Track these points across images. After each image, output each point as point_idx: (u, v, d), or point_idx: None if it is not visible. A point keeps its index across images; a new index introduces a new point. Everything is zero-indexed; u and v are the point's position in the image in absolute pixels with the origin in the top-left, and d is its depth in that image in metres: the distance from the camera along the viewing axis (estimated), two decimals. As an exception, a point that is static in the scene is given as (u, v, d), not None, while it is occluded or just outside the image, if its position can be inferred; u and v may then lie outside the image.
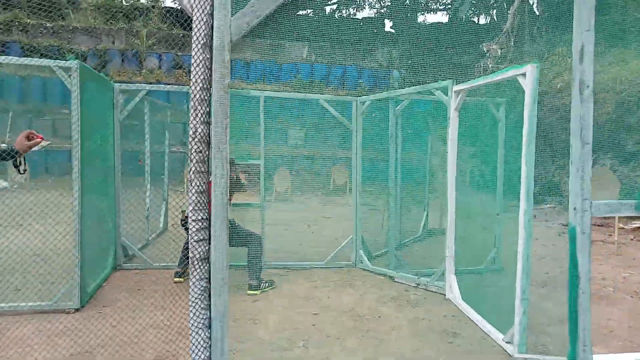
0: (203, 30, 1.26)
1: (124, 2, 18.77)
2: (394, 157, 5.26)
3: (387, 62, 17.54)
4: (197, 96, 1.26)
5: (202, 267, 1.27)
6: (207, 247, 1.29)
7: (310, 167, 12.07)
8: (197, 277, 1.27)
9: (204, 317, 1.26)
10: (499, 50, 14.34)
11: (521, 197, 3.28)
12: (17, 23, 16.75)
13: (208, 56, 1.26)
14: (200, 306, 1.28)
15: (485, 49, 14.56)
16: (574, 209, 1.50)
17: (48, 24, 17.31)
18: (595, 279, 5.46)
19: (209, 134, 1.28)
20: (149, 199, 6.42)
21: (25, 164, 2.53)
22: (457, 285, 4.43)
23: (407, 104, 5.27)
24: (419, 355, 3.33)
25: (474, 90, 4.47)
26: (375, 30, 19.86)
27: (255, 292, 4.52)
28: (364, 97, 5.53)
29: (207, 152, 1.26)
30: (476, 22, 19.95)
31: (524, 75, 3.27)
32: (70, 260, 3.97)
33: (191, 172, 1.25)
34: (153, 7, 18.79)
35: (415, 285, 4.87)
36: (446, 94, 4.55)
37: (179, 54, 16.62)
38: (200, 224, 1.28)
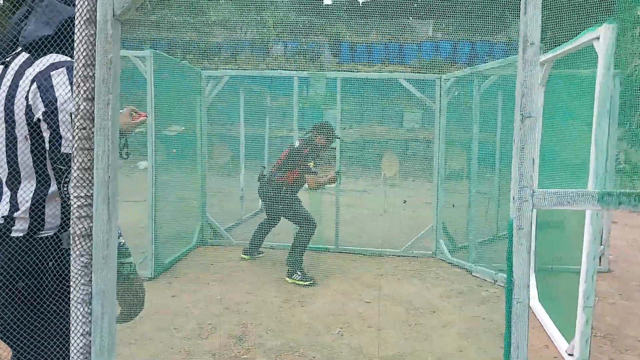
0: (86, 6, 1.25)
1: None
2: (477, 140, 4.78)
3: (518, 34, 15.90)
4: (80, 73, 1.26)
5: (83, 243, 1.28)
6: (90, 224, 1.29)
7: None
8: (78, 253, 1.29)
9: (84, 292, 1.28)
10: (659, 14, 12.13)
11: (589, 183, 2.74)
12: (165, 21, 18.80)
13: (92, 32, 1.24)
14: (80, 282, 1.30)
15: (639, 13, 12.42)
16: (513, 198, 1.20)
17: (191, 20, 19.12)
18: None
19: (93, 110, 1.27)
20: (244, 181, 6.76)
21: (128, 146, 2.22)
22: (535, 285, 3.90)
23: (496, 80, 4.74)
24: (461, 357, 3.01)
25: (568, 61, 3.82)
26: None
27: (292, 280, 4.29)
28: (448, 74, 5.10)
29: (91, 129, 1.25)
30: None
31: (597, 38, 2.69)
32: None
33: (74, 149, 1.26)
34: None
35: (493, 281, 4.41)
36: (531, 67, 3.97)
37: (304, 41, 17.15)
38: (82, 200, 1.29)
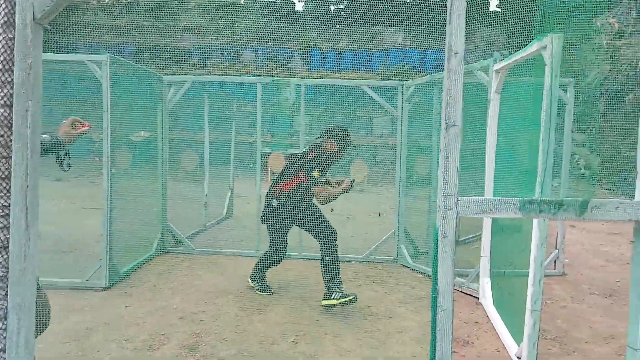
0: (4, 8, 1.19)
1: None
2: (436, 146, 4.84)
3: (485, 43, 16.31)
4: (-2, 78, 1.20)
5: (1, 255, 1.22)
6: (7, 235, 1.23)
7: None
8: (-6, 265, 1.22)
9: (1, 306, 1.21)
10: (616, 25, 12.60)
11: (536, 189, 2.80)
12: (134, 26, 18.48)
13: (10, 36, 1.19)
14: (-4, 295, 1.24)
15: (598, 24, 12.89)
16: (438, 207, 1.20)
17: (160, 25, 18.85)
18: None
19: (11, 117, 1.21)
20: (208, 187, 6.67)
21: (69, 157, 2.21)
22: (490, 289, 3.96)
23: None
24: (416, 363, 3.03)
25: (520, 70, 3.90)
26: (479, 9, 18.58)
27: (331, 302, 3.74)
28: (409, 81, 5.16)
29: (9, 136, 1.20)
30: (595, -6, 17.72)
31: (545, 48, 2.76)
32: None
33: (-8, 157, 1.20)
34: (254, 1, 19.55)
35: (452, 286, 4.45)
36: (488, 75, 4.06)
37: (275, 47, 17.10)
38: (1, 210, 1.22)
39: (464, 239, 5.84)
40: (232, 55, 17.14)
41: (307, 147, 4.11)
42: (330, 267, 3.88)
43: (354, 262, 5.27)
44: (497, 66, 3.87)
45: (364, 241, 5.98)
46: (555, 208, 1.17)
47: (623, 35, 12.05)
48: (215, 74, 14.30)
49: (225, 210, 7.31)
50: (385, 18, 17.62)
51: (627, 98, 11.15)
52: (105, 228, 4.14)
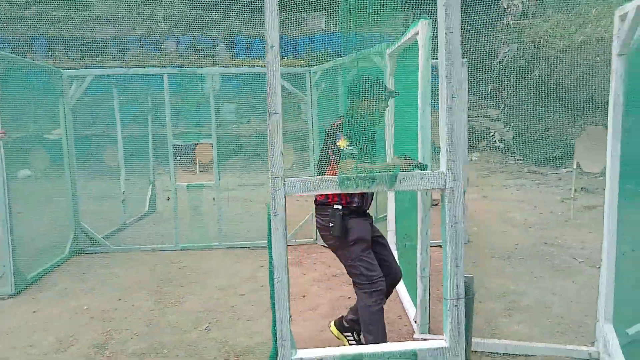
0: None
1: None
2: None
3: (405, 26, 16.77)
4: None
5: None
6: None
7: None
8: None
9: None
10: (520, 6, 13.38)
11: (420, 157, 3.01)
12: (44, 17, 17.36)
13: None
14: None
15: (505, 5, 13.64)
16: (269, 187, 1.31)
17: (73, 15, 17.84)
18: (572, 247, 5.06)
19: None
20: (124, 184, 6.52)
21: None
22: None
23: (357, 72, 4.97)
24: (322, 337, 3.19)
25: (407, 53, 4.11)
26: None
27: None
28: (316, 67, 5.29)
29: None
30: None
31: (418, 33, 2.96)
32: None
33: None
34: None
35: (365, 261, 4.68)
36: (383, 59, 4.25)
37: (196, 35, 16.72)
38: None
39: (377, 217, 6.11)
40: (152, 45, 16.56)
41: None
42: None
43: (275, 247, 5.38)
44: (389, 50, 4.07)
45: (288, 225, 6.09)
46: (369, 182, 1.31)
47: (527, 16, 12.83)
48: (135, 66, 13.81)
49: (147, 206, 7.18)
50: (309, 3, 17.70)
51: (532, 74, 11.92)
52: (6, 232, 3.98)
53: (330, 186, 1.27)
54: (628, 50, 2.52)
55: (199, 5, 17.08)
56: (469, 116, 13.16)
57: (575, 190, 6.88)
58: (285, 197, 1.26)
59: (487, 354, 2.89)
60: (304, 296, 3.88)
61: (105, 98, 6.37)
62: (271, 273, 1.30)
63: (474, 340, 2.89)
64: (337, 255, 2.81)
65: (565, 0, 11.87)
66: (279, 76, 1.23)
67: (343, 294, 3.89)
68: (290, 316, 1.34)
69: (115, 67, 13.00)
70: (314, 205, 2.82)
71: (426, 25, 2.88)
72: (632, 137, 3.10)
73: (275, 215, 1.26)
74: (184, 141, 5.26)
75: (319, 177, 1.28)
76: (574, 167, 6.64)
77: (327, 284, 4.15)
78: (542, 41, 11.78)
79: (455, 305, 1.33)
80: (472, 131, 12.84)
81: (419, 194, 2.98)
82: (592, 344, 2.91)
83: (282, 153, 1.24)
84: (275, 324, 1.31)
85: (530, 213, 6.92)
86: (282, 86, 5.19)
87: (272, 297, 1.29)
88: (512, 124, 12.83)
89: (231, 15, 17.43)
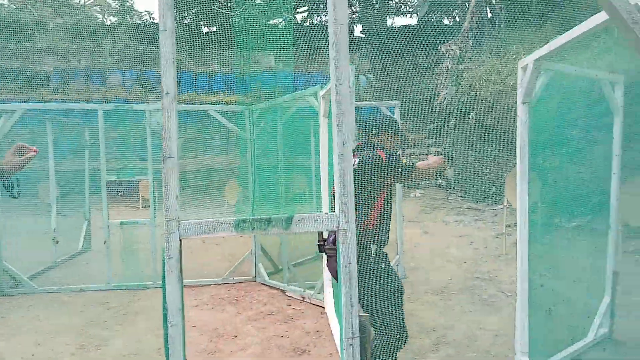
0: None
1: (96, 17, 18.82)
2: (282, 166, 5.08)
3: (355, 67, 17.37)
4: None
5: None
6: None
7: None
8: None
9: None
10: (457, 51, 14.20)
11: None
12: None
13: None
14: None
15: (444, 50, 14.43)
16: (165, 230, 1.31)
17: (12, 46, 17.29)
18: (502, 281, 5.26)
19: None
20: (55, 221, 6.26)
21: (18, 185, 2.14)
22: (332, 298, 4.23)
23: (295, 111, 5.11)
24: (250, 378, 3.14)
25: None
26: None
27: None
28: (256, 105, 5.37)
29: None
30: (445, 23, 19.83)
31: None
32: None
33: None
34: (120, 24, 18.85)
35: (301, 298, 4.68)
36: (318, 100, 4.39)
37: (144, 69, 16.56)
38: None
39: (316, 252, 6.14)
40: (98, 78, 16.24)
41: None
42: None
43: (212, 284, 5.28)
44: (321, 92, 4.21)
45: (227, 262, 6.01)
46: (265, 224, 1.35)
47: (463, 61, 13.62)
48: (77, 100, 13.47)
49: (81, 244, 6.89)
50: (257, 41, 18.03)
51: (470, 115, 12.56)
52: None
53: (225, 228, 1.30)
54: (530, 99, 2.74)
55: (144, 39, 17.03)
56: (413, 154, 13.66)
57: (507, 225, 7.21)
58: (180, 240, 1.27)
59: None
60: (235, 336, 3.81)
61: (39, 132, 6.18)
62: (165, 317, 1.29)
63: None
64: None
65: (496, 49, 12.73)
66: (174, 122, 1.27)
67: (277, 333, 3.85)
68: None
69: (57, 100, 12.68)
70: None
71: (350, 70, 3.02)
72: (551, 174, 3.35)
73: (169, 258, 1.27)
74: (118, 177, 5.14)
75: (215, 219, 1.30)
76: (505, 204, 6.98)
77: (262, 323, 4.10)
78: (477, 85, 12.50)
79: (351, 345, 1.37)
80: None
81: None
82: (512, 376, 3.02)
83: (177, 196, 1.26)
84: (170, 366, 1.30)
85: (466, 248, 7.16)
86: (222, 124, 5.22)
87: (166, 341, 1.29)
88: (453, 162, 13.37)
89: (180, 51, 17.44)
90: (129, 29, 18.55)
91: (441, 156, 3.01)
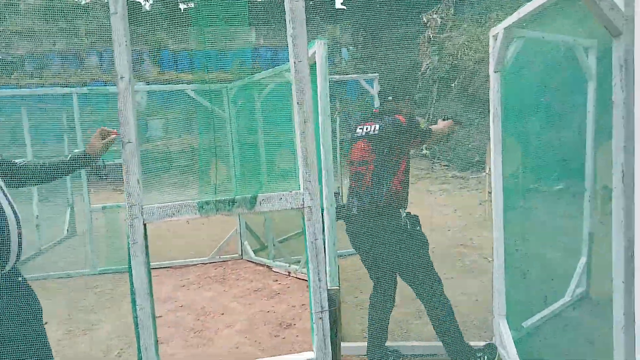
0: None
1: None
2: (262, 144, 5.06)
3: (333, 40, 17.18)
4: None
5: None
6: None
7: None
8: None
9: None
10: (439, 20, 14.07)
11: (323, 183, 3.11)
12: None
13: None
14: None
15: (425, 19, 14.29)
16: (128, 216, 1.32)
17: (-18, 29, 16.78)
18: (485, 247, 5.36)
19: None
20: (38, 208, 6.21)
21: (105, 166, 2.31)
22: (316, 273, 4.29)
23: (274, 88, 5.06)
24: (237, 353, 3.19)
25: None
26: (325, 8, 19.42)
27: None
28: (232, 83, 5.31)
29: None
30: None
31: (314, 53, 3.06)
32: None
33: None
34: (95, 2, 18.33)
35: (287, 273, 4.73)
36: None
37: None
38: None
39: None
40: (74, 60, 15.88)
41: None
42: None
43: (198, 264, 5.31)
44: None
45: (213, 242, 6.04)
46: (229, 205, 1.36)
47: (444, 30, 13.51)
48: (53, 84, 13.19)
49: (65, 229, 6.86)
50: (238, 17, 17.66)
51: (453, 84, 12.55)
52: None
53: (189, 211, 1.30)
54: (502, 67, 2.74)
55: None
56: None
57: (490, 192, 7.30)
58: (144, 224, 1.27)
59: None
60: (222, 314, 3.86)
61: (16, 119, 6.07)
62: (133, 301, 1.31)
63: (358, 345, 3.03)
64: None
65: (477, 17, 12.64)
66: (130, 106, 1.25)
67: (263, 309, 3.91)
68: (157, 342, 1.36)
69: (33, 86, 12.41)
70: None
71: (322, 45, 2.99)
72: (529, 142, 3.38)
73: (134, 243, 1.28)
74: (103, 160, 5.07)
75: (179, 202, 1.31)
76: (487, 171, 7.05)
77: (248, 299, 4.15)
78: (459, 54, 12.44)
79: (320, 318, 1.40)
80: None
81: (324, 204, 3.07)
82: (491, 339, 3.11)
83: (138, 181, 1.26)
84: (141, 353, 1.32)
85: (450, 217, 7.26)
86: (200, 103, 5.15)
87: (136, 325, 1.30)
88: (461, 126, 13.41)
89: (159, 29, 17.10)
90: (105, 7, 18.04)
91: (451, 120, 3.09)
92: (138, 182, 1.30)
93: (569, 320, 3.34)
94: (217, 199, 1.35)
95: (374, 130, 2.81)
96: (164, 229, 6.93)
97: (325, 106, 3.02)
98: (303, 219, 1.42)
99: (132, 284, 1.33)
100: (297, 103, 1.38)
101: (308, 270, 1.43)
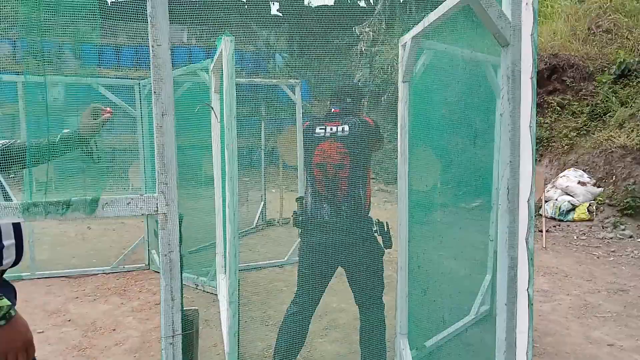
0: None
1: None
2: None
3: (267, 45, 17.02)
4: None
5: None
6: None
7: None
8: None
9: None
10: (371, 33, 14.32)
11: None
12: None
13: None
14: None
15: (358, 32, 14.50)
16: None
17: None
18: (394, 261, 5.34)
19: None
20: None
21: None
22: (224, 285, 4.06)
23: (190, 86, 4.79)
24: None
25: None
26: (261, 13, 19.21)
27: None
28: (146, 80, 4.98)
29: None
30: (361, 5, 19.93)
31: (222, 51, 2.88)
32: None
33: None
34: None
35: (195, 286, 4.46)
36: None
37: (37, 40, 15.06)
38: None
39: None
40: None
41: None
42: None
43: (99, 274, 4.89)
44: (212, 66, 3.96)
45: (121, 249, 5.61)
46: (63, 208, 1.14)
47: (376, 43, 13.77)
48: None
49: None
50: (171, 15, 17.04)
51: (383, 97, 12.77)
52: None
53: (11, 213, 1.07)
54: (411, 77, 2.70)
55: (40, 7, 15.44)
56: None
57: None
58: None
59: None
60: (114, 329, 3.52)
61: None
62: None
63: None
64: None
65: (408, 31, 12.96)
66: None
67: (160, 324, 3.61)
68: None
69: None
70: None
71: (228, 42, 2.81)
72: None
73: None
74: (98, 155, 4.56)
75: (2, 203, 1.07)
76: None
77: (146, 314, 3.83)
78: (389, 68, 12.70)
79: (171, 343, 1.21)
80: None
81: (227, 212, 2.87)
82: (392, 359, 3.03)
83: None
84: None
85: (392, 210, 7.25)
86: (110, 100, 4.79)
87: None
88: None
89: (79, 20, 16.08)
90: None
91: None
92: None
93: (472, 339, 3.34)
94: (48, 200, 1.12)
95: (343, 131, 2.64)
96: (71, 232, 6.41)
97: (231, 106, 2.83)
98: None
99: None
100: (155, 92, 1.19)
101: (161, 287, 1.24)
